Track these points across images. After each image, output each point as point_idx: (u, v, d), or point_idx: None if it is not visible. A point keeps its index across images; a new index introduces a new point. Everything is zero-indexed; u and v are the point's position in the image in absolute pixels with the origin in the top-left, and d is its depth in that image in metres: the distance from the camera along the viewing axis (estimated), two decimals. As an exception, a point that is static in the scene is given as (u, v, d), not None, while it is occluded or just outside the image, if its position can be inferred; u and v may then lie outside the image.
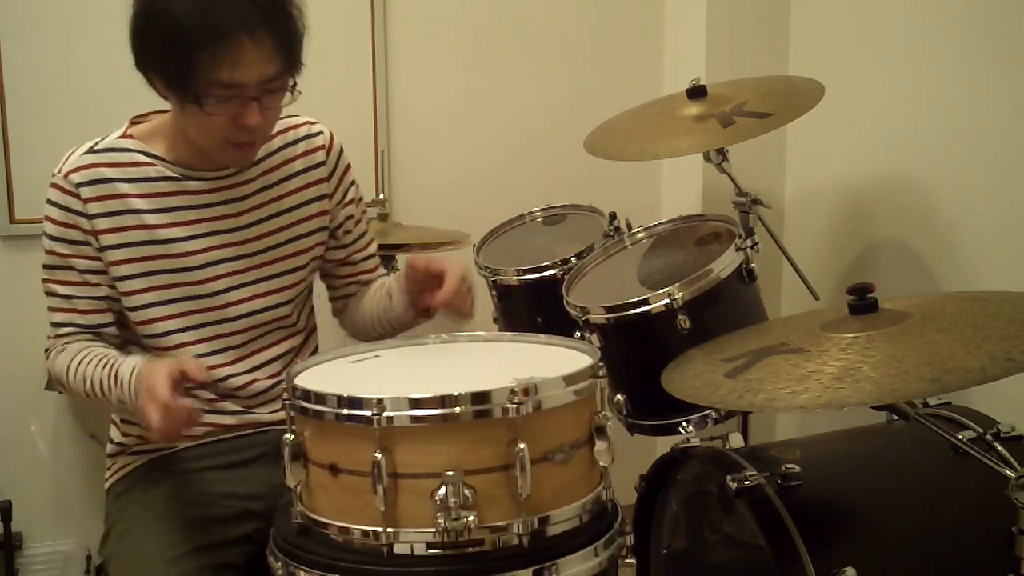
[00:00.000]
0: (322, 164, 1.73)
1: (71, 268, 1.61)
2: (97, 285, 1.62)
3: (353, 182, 1.79)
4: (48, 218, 1.61)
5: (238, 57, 1.45)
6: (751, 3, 2.63)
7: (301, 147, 1.72)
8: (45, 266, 1.62)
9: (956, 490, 1.55)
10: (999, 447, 1.51)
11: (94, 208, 1.59)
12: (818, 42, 2.56)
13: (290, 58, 1.52)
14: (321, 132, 1.75)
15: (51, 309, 1.63)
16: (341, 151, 1.77)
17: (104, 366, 1.55)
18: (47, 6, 2.40)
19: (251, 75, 1.47)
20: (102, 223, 1.59)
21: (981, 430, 1.55)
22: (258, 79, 1.48)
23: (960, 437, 1.40)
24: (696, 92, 2.09)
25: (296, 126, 1.73)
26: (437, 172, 2.74)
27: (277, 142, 1.70)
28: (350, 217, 1.79)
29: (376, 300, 1.78)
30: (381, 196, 2.50)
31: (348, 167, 1.78)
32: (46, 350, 1.65)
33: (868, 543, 1.44)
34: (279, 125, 1.70)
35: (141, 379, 1.46)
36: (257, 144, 1.60)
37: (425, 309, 1.70)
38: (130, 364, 1.52)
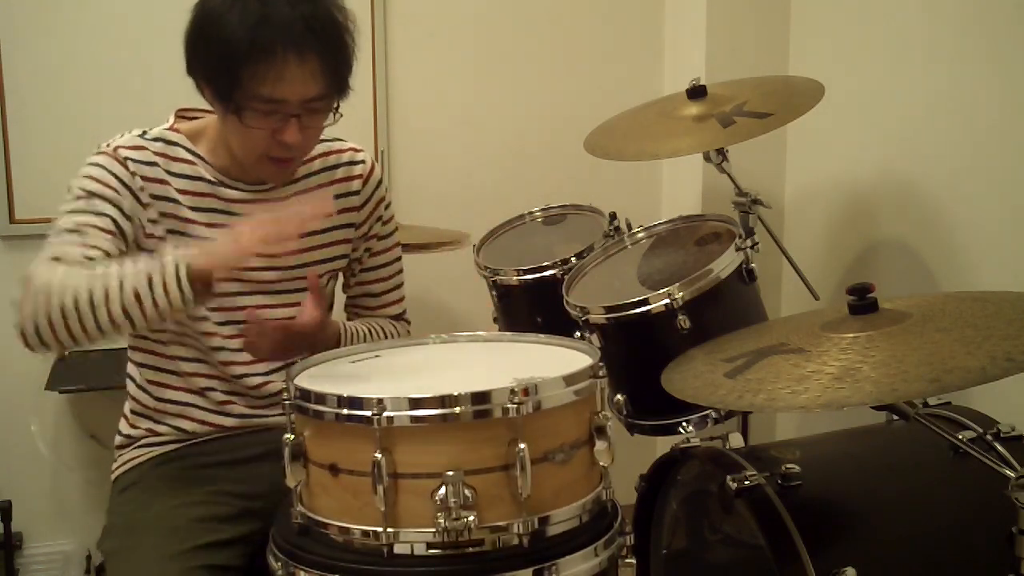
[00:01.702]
0: (356, 193, 1.73)
1: (100, 213, 1.52)
2: (114, 237, 1.52)
3: (381, 218, 1.78)
4: (87, 175, 1.55)
5: (281, 74, 1.46)
6: (751, 3, 2.63)
7: (340, 173, 1.72)
8: (66, 211, 1.51)
9: (956, 490, 1.55)
10: (999, 447, 1.51)
11: (140, 183, 1.58)
12: (818, 42, 2.56)
13: (336, 81, 1.52)
14: (362, 161, 1.74)
15: (54, 244, 1.48)
16: (379, 184, 1.77)
17: (129, 261, 1.41)
18: (47, 6, 2.40)
19: (293, 93, 1.48)
20: (145, 196, 1.58)
21: (981, 430, 1.55)
22: (300, 98, 1.49)
23: (960, 437, 1.40)
24: (696, 92, 2.09)
25: (340, 151, 1.73)
26: (437, 172, 2.75)
27: (318, 164, 1.70)
28: (368, 250, 1.78)
29: None
30: (381, 196, 2.50)
31: (381, 200, 1.77)
32: (27, 274, 1.45)
33: (868, 543, 1.44)
34: (322, 148, 1.70)
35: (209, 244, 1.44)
36: (295, 162, 1.61)
37: None
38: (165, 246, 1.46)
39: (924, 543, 1.49)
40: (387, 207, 1.79)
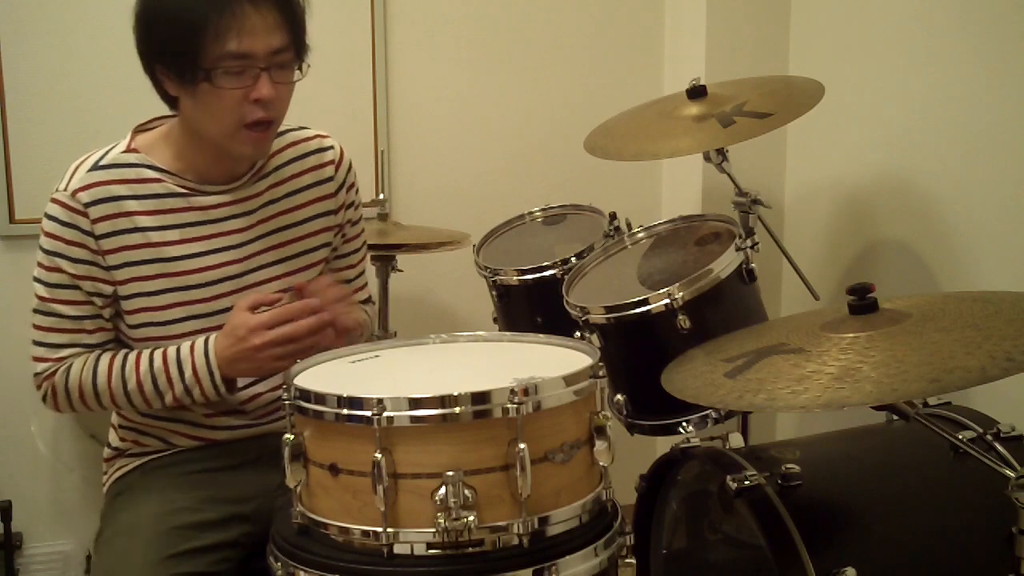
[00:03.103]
0: (330, 180, 1.73)
1: (77, 288, 1.58)
2: (103, 307, 1.60)
3: (353, 203, 1.78)
4: (51, 234, 1.57)
5: (243, 25, 1.46)
6: (751, 3, 2.63)
7: (311, 161, 1.71)
8: (47, 284, 1.58)
9: (956, 490, 1.55)
10: (999, 447, 1.51)
11: (101, 228, 1.57)
12: (818, 42, 2.56)
13: (295, 29, 1.53)
14: (332, 147, 1.74)
15: (49, 329, 1.60)
16: (350, 168, 1.76)
17: (151, 361, 1.56)
18: (47, 6, 2.40)
19: (259, 44, 1.48)
20: (108, 243, 1.57)
21: (981, 430, 1.55)
22: (266, 49, 1.49)
23: (960, 437, 1.40)
24: (696, 92, 2.09)
25: (307, 139, 1.72)
26: (437, 172, 2.74)
27: (288, 154, 1.69)
28: (342, 235, 1.78)
29: None
30: (381, 196, 2.50)
31: (352, 185, 1.77)
32: (41, 373, 1.61)
33: (868, 543, 1.44)
34: (290, 138, 1.70)
35: (222, 339, 1.54)
36: (272, 128, 1.57)
37: None
38: (188, 346, 1.56)
39: (924, 543, 1.49)
40: (357, 192, 1.78)
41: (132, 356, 1.58)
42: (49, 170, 2.40)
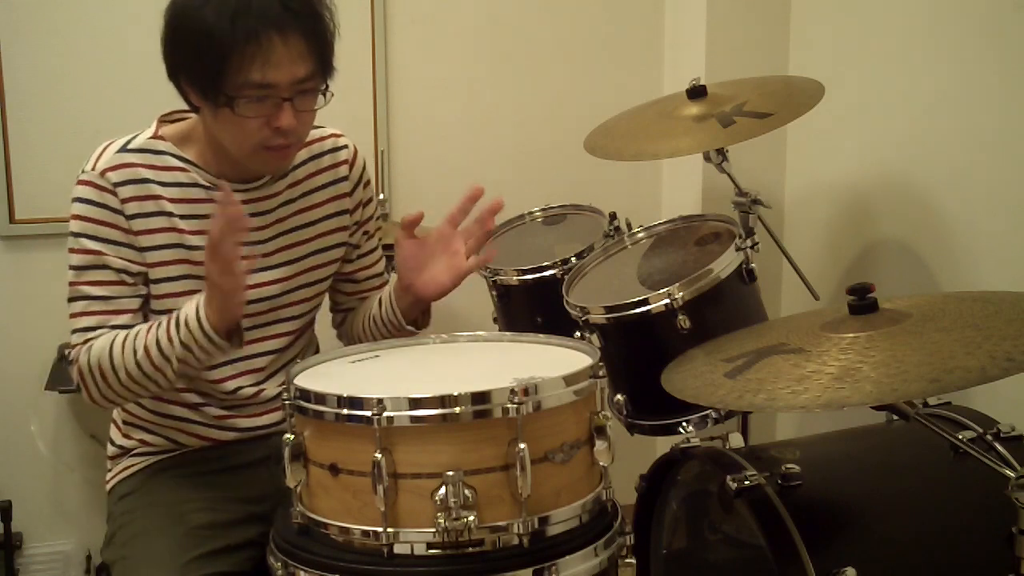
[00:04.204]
0: (345, 179, 1.73)
1: (106, 267, 1.55)
2: (133, 285, 1.58)
3: (371, 199, 1.78)
4: (79, 216, 1.55)
5: (268, 56, 1.45)
6: (751, 3, 2.63)
7: (326, 160, 1.71)
8: (75, 267, 1.56)
9: (956, 490, 1.55)
10: (999, 447, 1.51)
11: (131, 208, 1.56)
12: (818, 42, 2.56)
13: (322, 59, 1.52)
14: (346, 146, 1.74)
15: (78, 314, 1.56)
16: (364, 166, 1.76)
17: (158, 325, 1.51)
18: (47, 6, 2.40)
19: (283, 75, 1.47)
20: (137, 224, 1.56)
21: (981, 430, 1.55)
22: (290, 79, 1.48)
23: (960, 437, 1.40)
24: (696, 92, 2.09)
25: (322, 139, 1.72)
26: (437, 172, 2.74)
27: (303, 155, 1.69)
28: (365, 233, 1.78)
29: (368, 308, 1.77)
30: (381, 196, 2.50)
31: (368, 183, 1.77)
32: (69, 358, 1.58)
33: (868, 543, 1.44)
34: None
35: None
36: (292, 149, 1.58)
37: (412, 293, 1.67)
38: (190, 304, 1.50)
39: (924, 543, 1.49)
40: (371, 187, 1.79)
41: (143, 326, 1.54)
42: (49, 170, 2.42)
